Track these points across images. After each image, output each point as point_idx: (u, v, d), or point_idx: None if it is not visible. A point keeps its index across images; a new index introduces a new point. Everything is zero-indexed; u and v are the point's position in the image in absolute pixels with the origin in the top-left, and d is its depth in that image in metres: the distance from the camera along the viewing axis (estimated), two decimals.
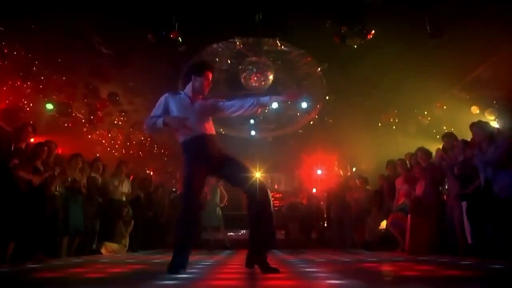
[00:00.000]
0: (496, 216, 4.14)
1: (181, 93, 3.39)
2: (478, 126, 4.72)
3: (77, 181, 5.76)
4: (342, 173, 10.05)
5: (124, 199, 6.97)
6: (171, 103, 3.31)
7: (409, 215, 5.68)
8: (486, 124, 4.88)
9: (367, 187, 7.77)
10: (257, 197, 3.11)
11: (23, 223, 4.27)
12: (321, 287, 2.37)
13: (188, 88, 3.38)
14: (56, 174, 5.22)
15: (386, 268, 3.62)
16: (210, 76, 3.41)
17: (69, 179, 5.60)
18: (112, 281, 2.75)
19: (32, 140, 5.30)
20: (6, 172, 4.22)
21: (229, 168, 3.22)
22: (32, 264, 3.99)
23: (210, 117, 3.44)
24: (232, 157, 3.28)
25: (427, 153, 5.91)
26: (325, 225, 9.27)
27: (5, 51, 7.74)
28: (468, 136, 5.58)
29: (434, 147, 6.25)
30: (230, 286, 2.47)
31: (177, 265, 2.99)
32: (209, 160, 3.18)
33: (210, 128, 3.37)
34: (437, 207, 5.52)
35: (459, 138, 5.54)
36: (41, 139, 5.71)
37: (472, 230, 4.53)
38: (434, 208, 5.49)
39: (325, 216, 9.27)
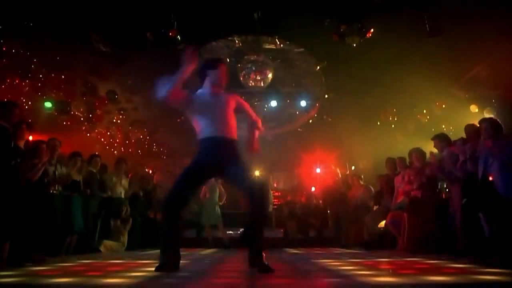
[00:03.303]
0: (495, 214, 4.14)
1: (199, 91, 3.30)
2: (488, 123, 4.66)
3: (77, 180, 5.76)
4: (339, 172, 10.07)
5: (123, 196, 6.98)
6: (192, 95, 3.22)
7: (405, 214, 5.69)
8: (496, 120, 4.81)
9: (361, 182, 7.80)
10: (257, 199, 2.96)
11: (21, 223, 4.25)
12: (320, 285, 2.38)
13: (206, 83, 3.29)
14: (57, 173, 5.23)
15: (384, 266, 3.63)
16: (225, 69, 3.36)
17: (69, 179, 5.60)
18: (112, 279, 2.74)
19: (30, 138, 5.28)
20: (5, 170, 4.20)
21: (233, 172, 3.10)
22: (32, 263, 3.98)
23: (234, 118, 3.29)
24: (241, 161, 3.14)
25: (422, 153, 5.91)
26: (327, 223, 9.27)
27: (4, 49, 7.72)
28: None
29: (433, 146, 6.25)
30: (229, 284, 2.48)
31: (163, 263, 2.93)
32: (216, 164, 3.07)
33: (231, 131, 3.20)
34: (433, 205, 5.52)
35: (457, 137, 5.52)
36: (40, 137, 5.70)
37: (468, 227, 4.54)
38: (431, 206, 5.50)
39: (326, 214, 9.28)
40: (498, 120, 4.75)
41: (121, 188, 6.98)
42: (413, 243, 5.37)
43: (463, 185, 4.82)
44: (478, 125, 4.85)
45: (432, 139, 5.69)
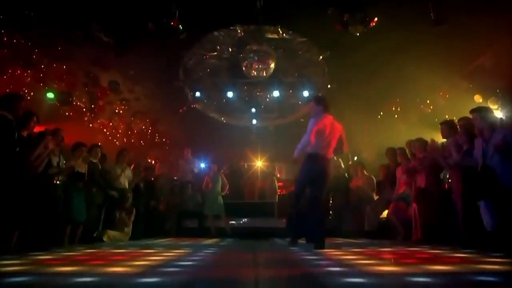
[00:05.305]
0: (498, 204, 4.12)
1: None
2: (478, 113, 4.63)
3: (80, 171, 5.77)
4: (341, 162, 10.04)
5: (127, 186, 7.00)
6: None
7: (414, 205, 5.66)
8: (487, 110, 4.77)
9: (364, 171, 7.78)
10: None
11: (27, 212, 4.30)
12: (322, 274, 2.39)
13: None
14: (61, 166, 5.25)
15: (386, 256, 3.64)
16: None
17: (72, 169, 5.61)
18: (114, 268, 2.77)
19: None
20: (10, 160, 4.22)
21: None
22: (36, 252, 4.02)
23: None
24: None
25: (424, 143, 5.86)
26: (329, 213, 9.28)
27: (5, 39, 7.70)
28: None
29: (436, 136, 6.21)
30: (231, 273, 2.49)
31: None
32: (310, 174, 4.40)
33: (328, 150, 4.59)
34: (438, 195, 5.50)
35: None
36: (42, 128, 5.71)
37: (469, 217, 4.53)
38: (436, 196, 5.48)
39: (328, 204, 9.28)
40: (490, 109, 4.74)
41: (125, 178, 6.99)
42: (427, 233, 5.34)
43: (463, 174, 4.79)
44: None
45: (440, 124, 5.63)
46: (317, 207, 4.37)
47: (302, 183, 4.57)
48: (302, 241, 4.64)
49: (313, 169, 4.39)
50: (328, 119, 4.54)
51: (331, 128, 4.51)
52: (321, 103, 4.64)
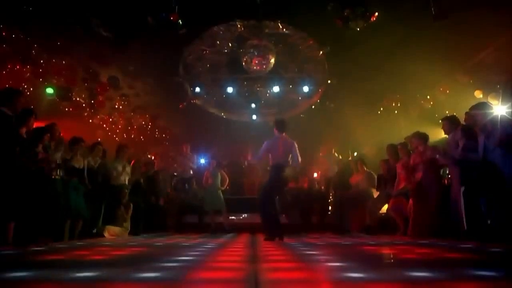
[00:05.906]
0: (499, 198, 4.13)
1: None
2: (478, 110, 4.64)
3: (77, 166, 5.77)
4: (340, 157, 10.04)
5: (126, 182, 6.99)
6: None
7: (410, 200, 5.67)
8: (486, 106, 4.76)
9: (365, 168, 7.77)
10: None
11: (25, 206, 4.30)
12: (322, 269, 2.39)
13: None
14: (58, 161, 5.24)
15: (386, 251, 3.65)
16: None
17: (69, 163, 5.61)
18: (115, 263, 2.78)
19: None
20: (8, 156, 4.22)
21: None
22: (36, 246, 4.03)
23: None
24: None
25: (423, 137, 5.84)
26: (328, 208, 9.31)
27: (3, 34, 7.66)
28: None
29: (437, 132, 6.20)
30: (230, 268, 2.50)
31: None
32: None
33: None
34: (437, 191, 5.51)
35: (461, 123, 5.46)
36: (41, 124, 5.70)
37: (469, 212, 4.54)
38: (435, 192, 5.49)
39: (328, 200, 9.30)
40: (489, 104, 4.76)
41: (125, 175, 6.98)
42: (420, 229, 5.37)
43: (462, 171, 4.79)
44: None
45: (442, 120, 5.62)
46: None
47: (271, 189, 5.41)
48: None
49: (281, 177, 5.32)
50: (283, 138, 5.49)
51: (285, 145, 5.43)
52: (281, 126, 5.63)
